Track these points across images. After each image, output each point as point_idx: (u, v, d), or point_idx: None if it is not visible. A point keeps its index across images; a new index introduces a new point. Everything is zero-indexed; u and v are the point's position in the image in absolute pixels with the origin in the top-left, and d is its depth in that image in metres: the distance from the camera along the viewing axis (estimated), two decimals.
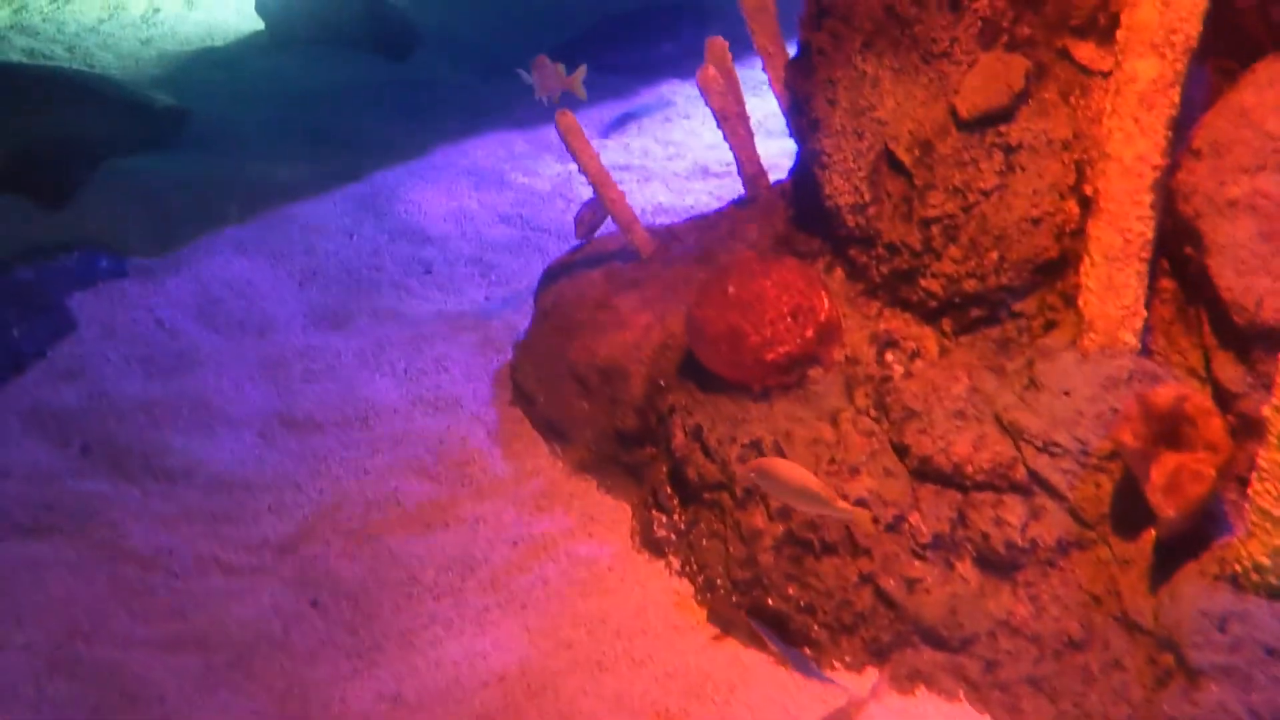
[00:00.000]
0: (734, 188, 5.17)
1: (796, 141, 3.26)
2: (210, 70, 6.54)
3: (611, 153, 5.58)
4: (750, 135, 3.51)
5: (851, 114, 2.86)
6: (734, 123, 3.41)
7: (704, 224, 3.57)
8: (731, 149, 3.51)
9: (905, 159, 2.76)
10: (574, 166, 5.33)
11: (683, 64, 6.50)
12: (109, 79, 5.78)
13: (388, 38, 6.63)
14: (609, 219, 3.52)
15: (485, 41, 6.94)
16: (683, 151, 5.63)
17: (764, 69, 3.50)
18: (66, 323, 3.97)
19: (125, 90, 5.63)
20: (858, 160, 2.87)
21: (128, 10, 7.60)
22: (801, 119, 3.04)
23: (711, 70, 3.31)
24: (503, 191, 5.19)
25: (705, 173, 5.36)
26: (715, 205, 5.04)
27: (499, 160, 5.50)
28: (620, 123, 5.93)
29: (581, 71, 4.20)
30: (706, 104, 3.44)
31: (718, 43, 3.45)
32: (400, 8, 6.92)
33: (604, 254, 3.61)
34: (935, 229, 2.74)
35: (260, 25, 7.14)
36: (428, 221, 4.93)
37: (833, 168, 2.91)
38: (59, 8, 7.70)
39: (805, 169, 3.08)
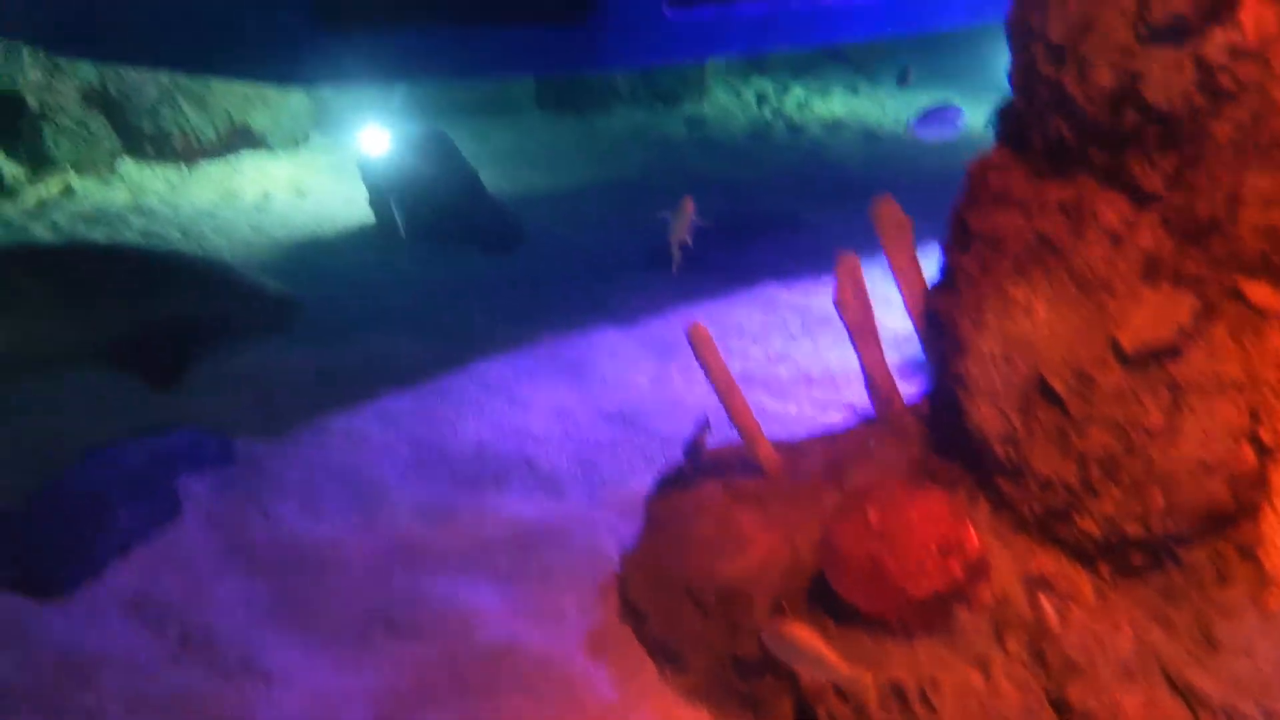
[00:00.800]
0: (840, 398, 5.12)
1: (934, 363, 3.19)
2: (320, 259, 6.73)
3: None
4: (882, 352, 3.44)
5: (1000, 340, 2.79)
6: (867, 340, 3.35)
7: (831, 441, 3.47)
8: (863, 366, 3.44)
9: (1061, 390, 2.66)
10: (676, 367, 5.38)
11: (781, 267, 6.56)
12: (224, 264, 5.95)
13: (493, 234, 6.80)
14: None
15: (585, 242, 7.09)
16: (785, 357, 5.59)
17: (898, 287, 3.46)
18: (172, 507, 3.93)
19: (239, 276, 5.79)
20: (1007, 388, 2.77)
21: (241, 197, 7.94)
22: (944, 341, 2.97)
23: (848, 290, 3.28)
24: (604, 389, 5.16)
25: (809, 380, 5.30)
26: (820, 414, 5.00)
27: (599, 357, 5.49)
28: (719, 327, 5.93)
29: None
30: (841, 320, 3.39)
31: (850, 259, 3.44)
32: (505, 206, 7.13)
33: (723, 465, 3.51)
34: (1094, 466, 2.61)
35: (369, 216, 7.39)
36: (530, 417, 4.89)
37: (979, 394, 2.82)
38: (176, 192, 8.08)
39: (946, 392, 2.99)
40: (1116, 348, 2.58)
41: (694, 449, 3.62)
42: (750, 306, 6.10)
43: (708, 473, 3.52)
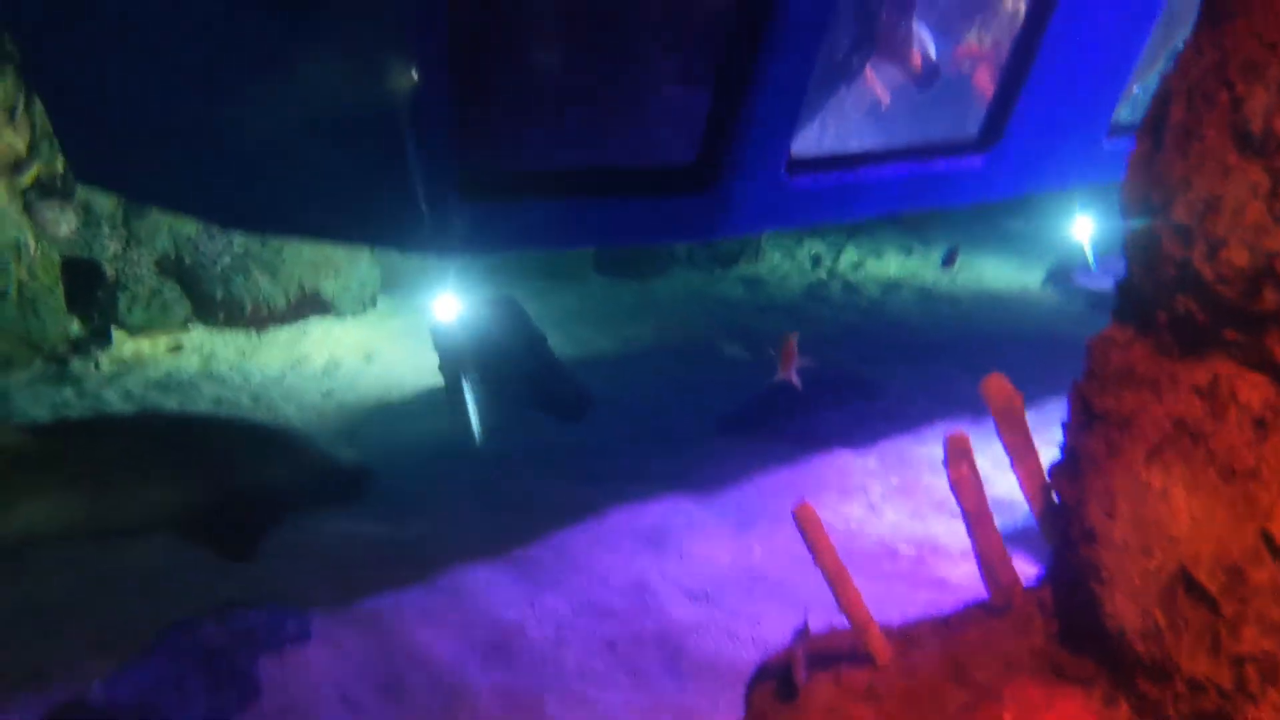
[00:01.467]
0: (930, 573, 4.93)
1: (1056, 547, 3.05)
2: (389, 426, 6.74)
3: (787, 526, 5.41)
4: (999, 536, 3.30)
5: (1136, 528, 2.65)
6: (983, 523, 3.21)
7: (943, 628, 3.29)
8: (977, 550, 3.29)
9: (1209, 585, 2.50)
10: (756, 539, 5.23)
11: (852, 434, 6.46)
12: (296, 433, 5.97)
13: (562, 401, 6.79)
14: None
15: (652, 407, 7.05)
16: (864, 529, 5.43)
17: (1012, 466, 3.35)
18: (251, 690, 3.80)
19: (311, 445, 5.79)
20: (1146, 581, 2.62)
21: (310, 363, 8.04)
22: (1070, 527, 2.83)
23: (965, 469, 3.17)
24: (682, 563, 5.02)
25: (893, 555, 5.12)
26: (909, 591, 4.80)
27: (676, 528, 5.36)
28: (794, 496, 5.80)
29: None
30: (957, 502, 3.27)
31: (961, 438, 3.34)
32: (572, 373, 7.14)
33: (830, 654, 3.33)
34: (1250, 668, 2.43)
35: (437, 381, 7.42)
36: (608, 593, 4.75)
37: (1114, 585, 2.67)
38: (246, 358, 8.19)
39: (1074, 581, 2.84)
40: (1270, 542, 2.43)
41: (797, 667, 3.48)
42: (825, 476, 5.97)
43: (814, 662, 3.34)
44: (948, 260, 4.98)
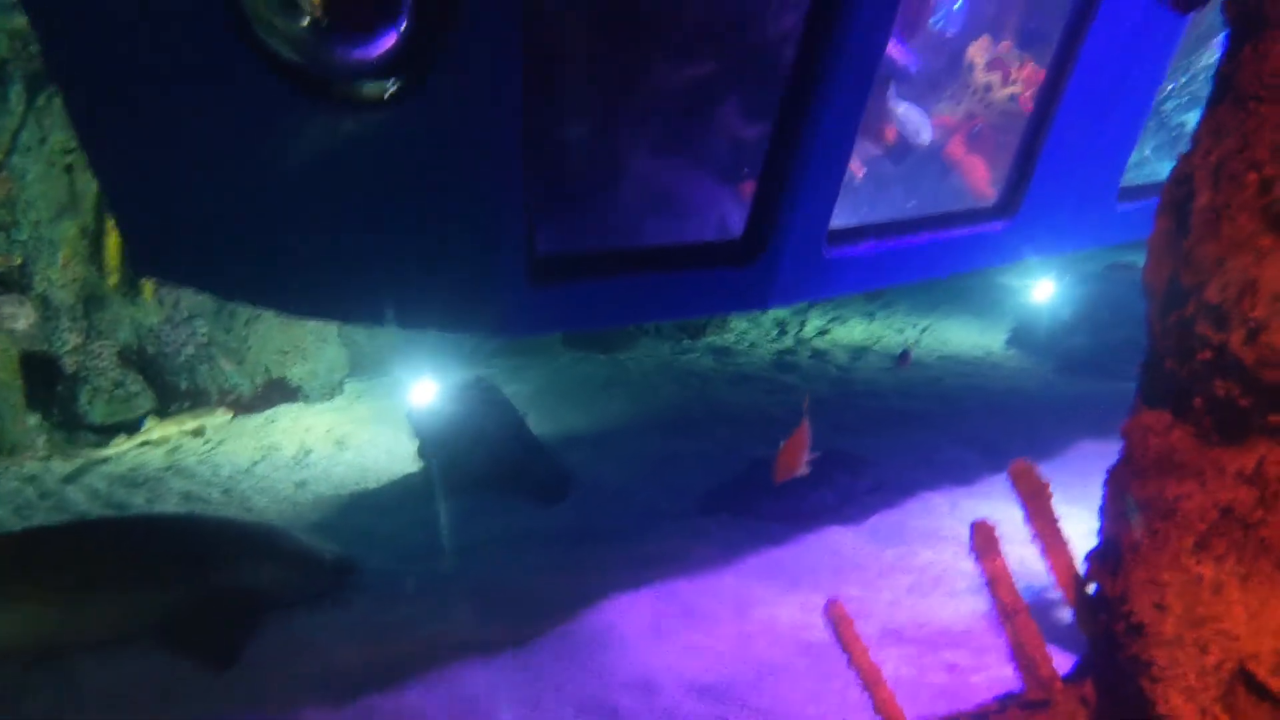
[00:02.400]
0: (938, 658, 4.82)
1: (1094, 638, 2.98)
2: (367, 517, 6.55)
3: (786, 609, 5.31)
4: (1036, 628, 3.22)
5: (1189, 623, 2.59)
6: (1018, 614, 3.14)
7: None
8: (1011, 641, 3.21)
9: (1271, 684, 2.44)
10: (758, 626, 5.10)
11: (840, 510, 6.39)
12: (274, 529, 5.76)
13: (540, 484, 6.66)
14: None
15: (633, 486, 6.94)
16: (866, 610, 5.32)
17: (1042, 555, 3.29)
18: None
19: (292, 541, 5.59)
20: (1203, 679, 2.56)
21: (280, 451, 7.83)
22: (1114, 621, 2.77)
23: (998, 561, 3.11)
24: (685, 656, 4.87)
25: (899, 637, 5.02)
26: (921, 676, 4.70)
27: (673, 618, 5.22)
28: (789, 577, 5.70)
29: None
30: (991, 595, 3.20)
31: (987, 527, 3.28)
32: (551, 455, 7.02)
33: None
34: None
35: (411, 467, 7.26)
36: (614, 694, 4.58)
37: (1169, 683, 2.60)
38: (213, 449, 7.96)
39: (1121, 677, 2.77)
40: None
41: None
42: (817, 555, 5.88)
43: None
44: (902, 359, 5.26)
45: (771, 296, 4.41)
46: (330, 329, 8.97)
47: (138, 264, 4.99)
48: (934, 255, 5.07)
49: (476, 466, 6.62)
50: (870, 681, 3.07)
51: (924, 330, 11.24)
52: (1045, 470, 7.25)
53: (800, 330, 11.18)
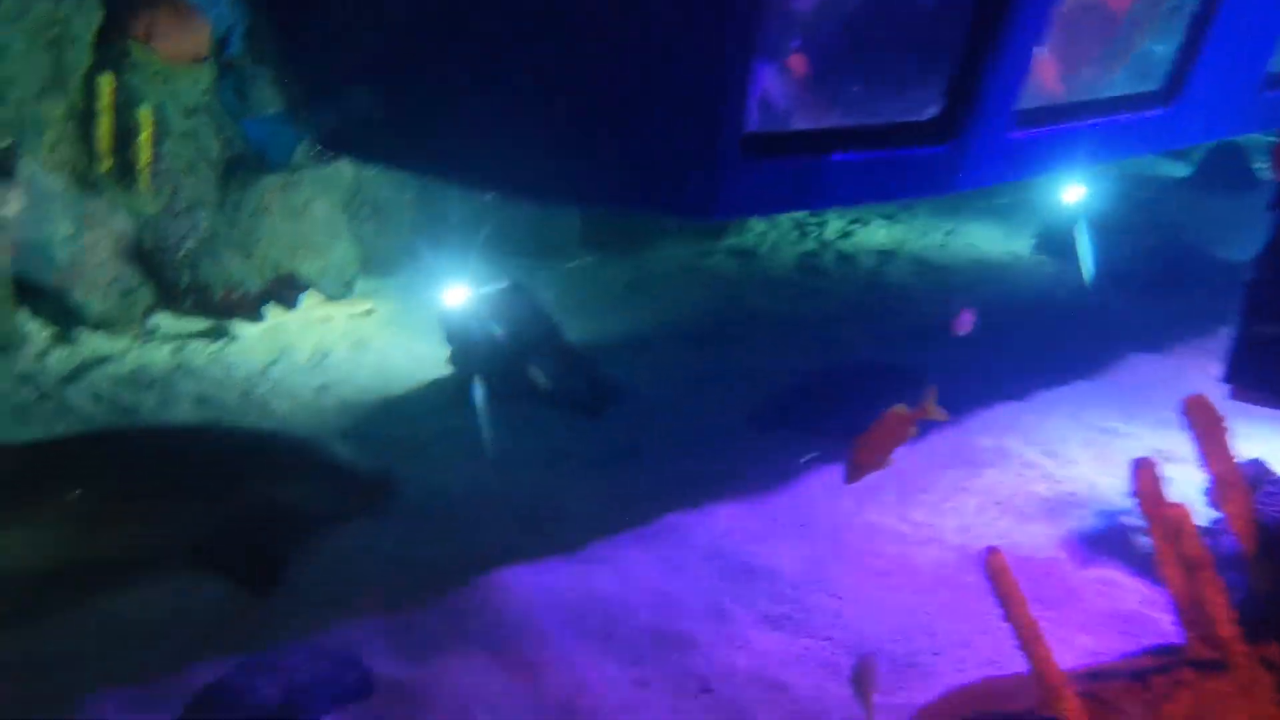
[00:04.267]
0: (1032, 592, 4.57)
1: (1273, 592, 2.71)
2: (397, 425, 6.22)
3: (853, 534, 5.06)
4: (1222, 585, 2.92)
5: None
6: (1205, 572, 2.85)
7: (1142, 691, 2.94)
8: (1182, 598, 2.94)
9: None
10: (828, 550, 4.84)
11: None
12: (311, 441, 5.40)
13: (582, 396, 6.33)
14: None
15: (676, 400, 6.62)
16: (932, 534, 5.09)
17: (1215, 496, 3.00)
18: None
19: (331, 455, 5.24)
20: None
21: (295, 353, 7.43)
22: None
23: (1180, 510, 2.81)
24: (757, 583, 4.61)
25: (976, 563, 4.77)
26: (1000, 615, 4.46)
27: (736, 542, 4.95)
28: (853, 498, 5.43)
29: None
30: (1154, 542, 2.91)
31: (1149, 466, 2.98)
32: (592, 365, 6.67)
33: (1005, 716, 2.97)
34: None
35: (437, 372, 6.90)
36: (680, 619, 4.32)
37: None
38: (222, 349, 7.55)
39: None
40: None
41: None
42: (881, 476, 5.55)
43: (984, 718, 2.98)
44: (960, 321, 5.26)
45: (963, 179, 4.41)
46: (340, 224, 8.47)
47: (325, 141, 4.97)
48: (1106, 140, 5.19)
49: (514, 376, 6.26)
50: (1028, 638, 2.79)
51: (948, 234, 10.88)
52: (1103, 388, 6.99)
53: (821, 233, 10.78)
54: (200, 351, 7.47)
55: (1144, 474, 2.94)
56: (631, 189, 3.83)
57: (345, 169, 8.70)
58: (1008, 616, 2.83)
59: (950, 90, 4.18)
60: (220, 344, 7.59)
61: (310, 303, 8.25)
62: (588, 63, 3.58)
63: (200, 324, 7.86)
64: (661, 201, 3.92)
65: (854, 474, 4.09)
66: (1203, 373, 7.18)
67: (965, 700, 3.12)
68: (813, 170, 3.91)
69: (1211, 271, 9.19)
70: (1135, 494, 3.00)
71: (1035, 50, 4.51)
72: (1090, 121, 5.03)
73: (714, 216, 4.07)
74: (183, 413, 6.43)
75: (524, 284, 6.85)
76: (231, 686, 3.69)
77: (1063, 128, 4.90)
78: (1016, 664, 3.89)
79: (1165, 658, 3.05)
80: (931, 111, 4.21)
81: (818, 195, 4.10)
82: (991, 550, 2.80)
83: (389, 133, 4.27)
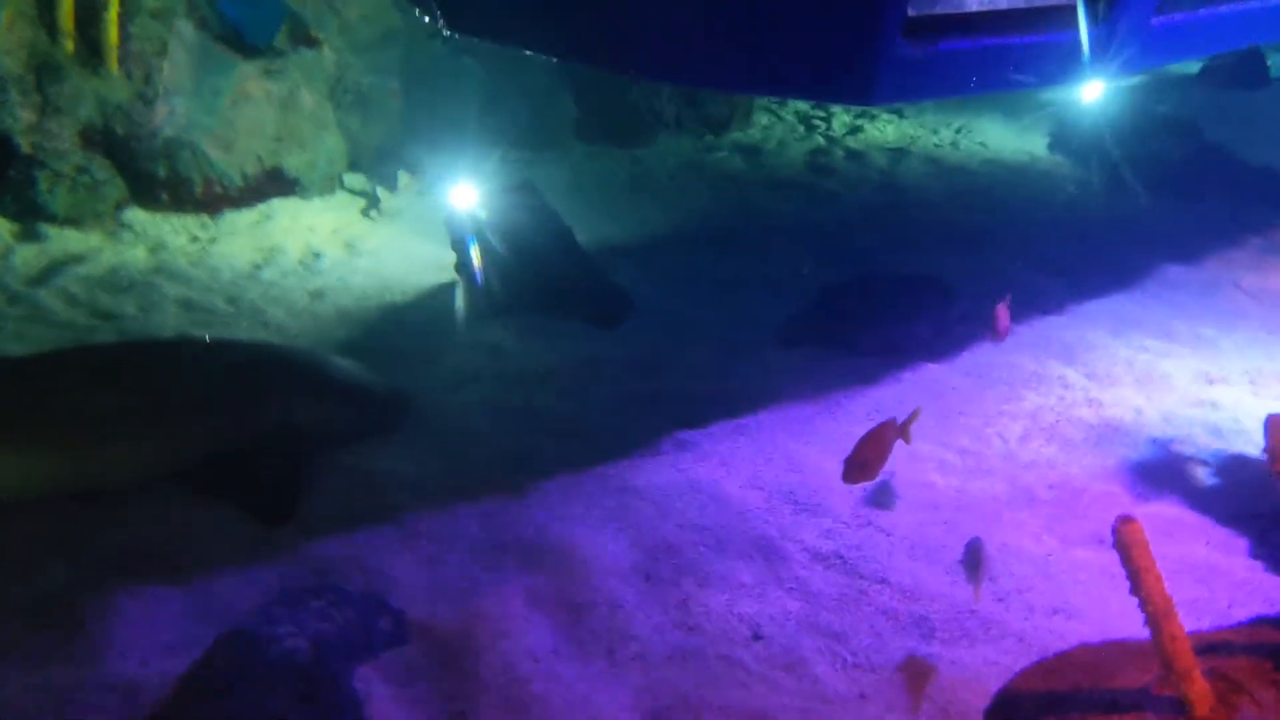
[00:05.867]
0: (1082, 525, 4.32)
1: None
2: (402, 336, 5.83)
3: (899, 460, 4.78)
4: None
5: None
6: None
7: (1274, 669, 2.70)
8: None
9: None
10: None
11: (936, 346, 5.82)
12: (321, 356, 5.01)
13: (597, 306, 5.95)
14: None
15: (696, 310, 6.27)
16: (981, 464, 4.82)
17: None
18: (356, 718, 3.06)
19: (343, 371, 4.87)
20: None
21: (284, 254, 6.98)
22: None
23: None
24: (802, 518, 4.34)
25: (1031, 498, 4.53)
26: (1062, 550, 4.22)
27: (777, 470, 4.67)
28: (880, 418, 5.14)
29: None
30: None
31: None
32: (605, 273, 6.29)
33: (1116, 695, 2.73)
34: None
35: (439, 278, 6.50)
36: (721, 553, 4.06)
37: None
38: (204, 249, 7.07)
39: None
40: None
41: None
42: (919, 397, 5.31)
43: (1091, 703, 2.74)
44: (998, 328, 4.97)
45: (1110, 64, 4.35)
46: (328, 114, 7.90)
47: (451, 19, 4.76)
48: (1247, 25, 5.15)
49: (525, 284, 5.87)
50: (1159, 613, 2.53)
51: (959, 131, 10.46)
52: (1139, 302, 6.69)
53: (828, 128, 10.31)
54: (181, 250, 6.99)
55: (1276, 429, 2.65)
56: (794, 72, 3.75)
57: (328, 54, 8.09)
58: (1138, 591, 2.56)
59: None
60: (201, 243, 7.11)
61: (297, 199, 7.75)
62: None
63: (178, 221, 7.36)
64: (823, 85, 3.89)
65: (850, 478, 4.03)
66: (1234, 286, 6.94)
67: (1064, 669, 2.88)
68: (971, 55, 3.88)
69: (1232, 174, 8.89)
70: (1268, 450, 2.71)
71: None
72: (1230, 7, 4.94)
73: (873, 101, 3.86)
74: (168, 319, 5.99)
75: (532, 184, 6.39)
76: (252, 636, 3.38)
77: (1204, 14, 4.83)
78: (1089, 616, 3.73)
79: None
80: None
81: (975, 80, 4.06)
82: (1124, 519, 2.52)
83: (535, 14, 4.17)
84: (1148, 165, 9.02)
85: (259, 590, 3.74)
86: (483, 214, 5.98)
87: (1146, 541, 2.53)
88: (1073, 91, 10.23)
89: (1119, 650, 2.98)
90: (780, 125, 10.41)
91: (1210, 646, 2.79)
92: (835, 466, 4.72)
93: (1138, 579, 2.53)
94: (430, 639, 3.53)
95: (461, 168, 7.89)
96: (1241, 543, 4.15)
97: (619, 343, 5.81)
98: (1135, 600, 2.55)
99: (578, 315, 5.91)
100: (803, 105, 11.04)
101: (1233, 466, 4.72)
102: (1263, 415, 5.10)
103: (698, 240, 7.40)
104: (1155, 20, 4.44)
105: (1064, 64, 4.27)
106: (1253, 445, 4.88)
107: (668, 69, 4.16)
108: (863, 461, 3.95)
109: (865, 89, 3.68)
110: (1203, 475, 4.69)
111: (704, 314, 6.20)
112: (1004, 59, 3.95)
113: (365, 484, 4.39)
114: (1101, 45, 4.20)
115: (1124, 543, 2.50)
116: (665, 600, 3.82)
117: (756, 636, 3.68)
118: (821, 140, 9.94)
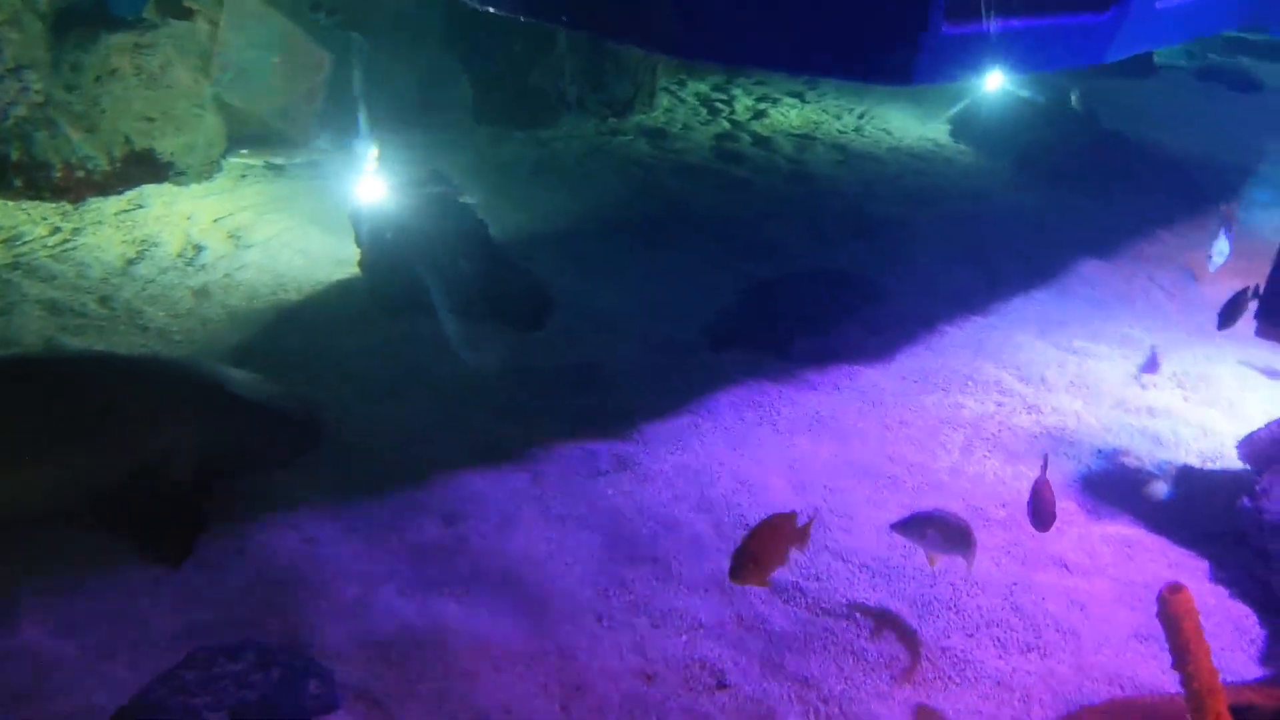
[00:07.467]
0: (1033, 547, 4.15)
1: None
2: (301, 338, 5.30)
3: (845, 478, 4.58)
4: None
5: None
6: None
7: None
8: None
9: None
10: (820, 492, 4.24)
11: (868, 349, 5.61)
12: (221, 371, 4.48)
13: (517, 306, 5.55)
14: None
15: (621, 309, 5.91)
16: (929, 479, 4.63)
17: None
18: None
19: (246, 387, 4.36)
20: None
21: (161, 247, 6.34)
22: None
23: None
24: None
25: (984, 518, 4.36)
26: (1024, 572, 4.03)
27: (726, 491, 4.38)
28: (832, 435, 4.93)
29: None
30: None
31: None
32: (524, 269, 5.88)
33: None
34: None
35: (333, 275, 5.98)
36: (687, 600, 3.77)
37: None
38: (68, 241, 6.37)
39: None
40: None
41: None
42: (859, 406, 5.11)
43: None
44: (1038, 517, 4.10)
45: (1116, 47, 4.66)
46: (204, 91, 7.21)
47: None
48: (1229, 10, 5.68)
49: (439, 282, 5.42)
50: (1205, 690, 2.33)
51: (862, 117, 10.32)
52: (1061, 301, 6.63)
53: (731, 112, 10.04)
54: (40, 243, 6.27)
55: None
56: (842, 54, 3.86)
57: (203, 26, 7.40)
58: (1182, 665, 2.35)
59: None
60: (64, 234, 6.40)
61: (172, 185, 7.07)
62: None
63: (35, 210, 6.62)
64: (866, 66, 3.98)
65: (741, 579, 3.22)
66: (1150, 281, 6.97)
67: None
68: (1007, 36, 4.08)
69: (1130, 161, 8.98)
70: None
71: None
72: None
73: (911, 82, 3.97)
74: (30, 323, 5.32)
75: (444, 173, 5.93)
76: (159, 706, 2.95)
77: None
78: (1063, 654, 3.55)
79: None
80: None
81: (1007, 61, 4.26)
82: (1173, 588, 2.30)
83: None
84: (1048, 154, 9.04)
85: (159, 648, 3.28)
86: (391, 207, 5.50)
87: (1197, 612, 2.32)
88: (971, 79, 10.21)
89: (1150, 703, 2.80)
90: (682, 108, 10.10)
91: (1237, 711, 2.62)
92: (782, 483, 4.53)
93: (1185, 653, 2.32)
94: (366, 700, 3.15)
95: (359, 150, 7.37)
96: (1202, 565, 4.07)
97: (545, 347, 5.42)
98: (1177, 673, 2.33)
99: (497, 316, 5.50)
100: (703, 87, 10.76)
101: (1179, 479, 4.66)
102: (1196, 423, 5.12)
103: (612, 230, 7.04)
104: (1161, 4, 4.87)
105: (1086, 43, 4.57)
106: (1193, 456, 4.84)
107: (709, 48, 4.26)
108: (754, 558, 3.18)
109: (905, 70, 3.84)
110: (1151, 490, 4.61)
111: (628, 310, 5.86)
112: (1037, 39, 4.21)
113: (272, 516, 3.93)
114: (1115, 27, 4.51)
115: (1172, 614, 2.29)
116: (619, 644, 3.50)
117: (721, 685, 3.40)
118: (726, 124, 9.67)
